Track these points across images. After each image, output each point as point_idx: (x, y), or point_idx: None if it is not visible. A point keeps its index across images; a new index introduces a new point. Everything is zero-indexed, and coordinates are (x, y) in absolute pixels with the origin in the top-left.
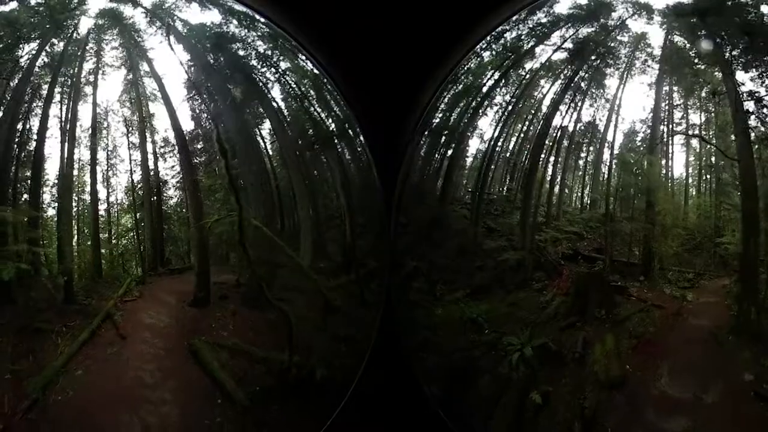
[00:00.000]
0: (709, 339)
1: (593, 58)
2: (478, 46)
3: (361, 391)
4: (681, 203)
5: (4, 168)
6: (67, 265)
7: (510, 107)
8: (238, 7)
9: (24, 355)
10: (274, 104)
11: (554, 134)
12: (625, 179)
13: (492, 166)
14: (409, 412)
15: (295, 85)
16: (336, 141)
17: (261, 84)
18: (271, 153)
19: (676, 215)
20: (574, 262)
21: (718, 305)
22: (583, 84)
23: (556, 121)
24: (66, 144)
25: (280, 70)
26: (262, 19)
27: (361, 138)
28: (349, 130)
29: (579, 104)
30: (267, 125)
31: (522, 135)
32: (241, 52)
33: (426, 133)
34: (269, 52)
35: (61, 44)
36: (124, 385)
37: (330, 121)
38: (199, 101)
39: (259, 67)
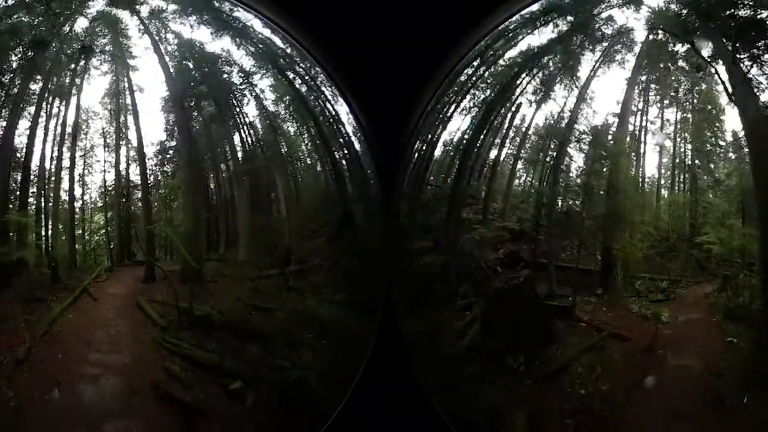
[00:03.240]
0: (708, 401)
1: (572, 45)
2: (477, 47)
3: (361, 391)
4: (653, 200)
5: (4, 170)
6: (55, 255)
7: (474, 93)
8: (237, 13)
9: (31, 313)
10: (240, 120)
11: (508, 119)
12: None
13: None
14: (409, 412)
15: (271, 103)
16: (304, 154)
17: (234, 102)
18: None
19: (645, 209)
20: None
21: (704, 325)
22: (556, 72)
23: (522, 110)
24: (54, 146)
25: (257, 88)
26: (261, 35)
27: (351, 145)
28: (322, 144)
29: (547, 92)
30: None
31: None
32: (225, 68)
33: (421, 133)
34: (254, 69)
35: (55, 46)
36: (96, 320)
37: (304, 137)
38: (173, 115)
39: (238, 84)
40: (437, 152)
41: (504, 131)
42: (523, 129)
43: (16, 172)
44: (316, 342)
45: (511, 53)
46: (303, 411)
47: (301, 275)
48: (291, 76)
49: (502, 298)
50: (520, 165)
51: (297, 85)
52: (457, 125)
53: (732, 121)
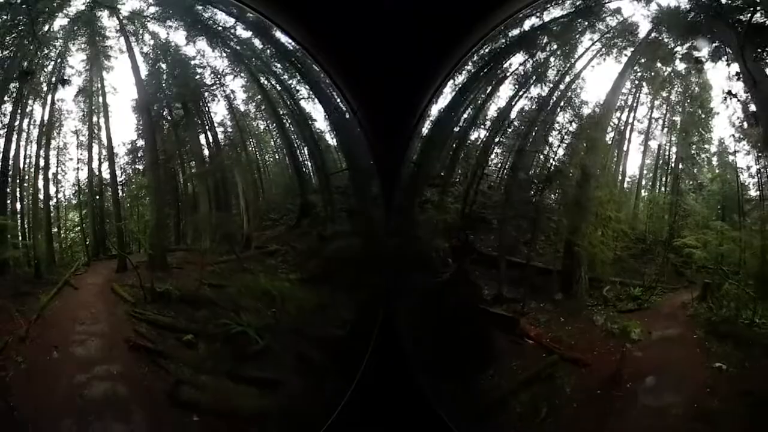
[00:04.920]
0: None
1: (572, 32)
2: (478, 45)
3: (362, 390)
4: (631, 199)
5: None
6: (38, 253)
7: (468, 69)
8: (219, 15)
9: (21, 305)
10: (208, 120)
11: (488, 98)
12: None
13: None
14: (409, 412)
15: (242, 103)
16: (272, 150)
17: (204, 103)
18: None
19: (621, 206)
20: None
21: (684, 344)
22: (551, 58)
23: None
24: (28, 145)
25: (228, 89)
26: (240, 37)
27: (321, 139)
28: (287, 141)
29: (536, 75)
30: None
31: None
32: (198, 70)
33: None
34: (227, 70)
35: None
36: (79, 303)
37: (273, 134)
38: (143, 117)
39: (209, 84)
40: (424, 129)
41: (481, 110)
42: (503, 110)
43: None
44: (261, 309)
45: (513, 32)
46: (248, 357)
47: (259, 259)
48: (265, 76)
49: (428, 300)
50: (498, 148)
51: (270, 85)
52: (444, 102)
53: (720, 126)
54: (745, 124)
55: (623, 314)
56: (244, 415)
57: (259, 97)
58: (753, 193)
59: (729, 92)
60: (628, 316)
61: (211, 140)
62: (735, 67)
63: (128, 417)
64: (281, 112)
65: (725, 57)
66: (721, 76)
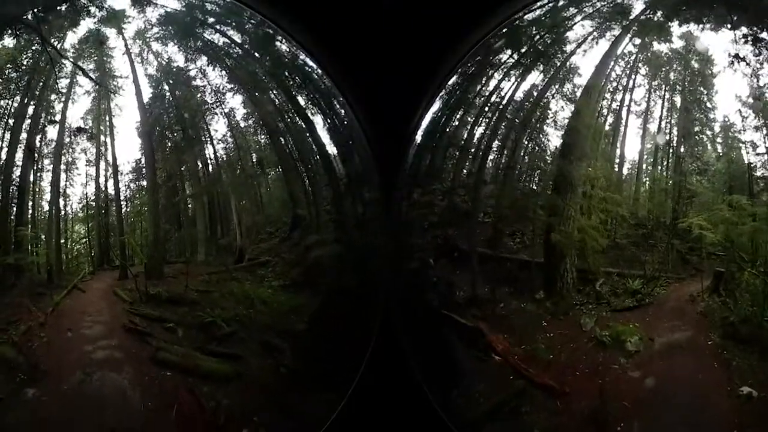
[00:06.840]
0: None
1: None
2: (477, 46)
3: (361, 391)
4: (631, 180)
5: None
6: (49, 260)
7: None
8: (215, 35)
9: (37, 302)
10: (208, 138)
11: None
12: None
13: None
14: (409, 412)
15: (242, 120)
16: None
17: (204, 122)
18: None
19: (616, 186)
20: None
21: (697, 355)
22: (540, 47)
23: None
24: (40, 163)
25: (228, 107)
26: (239, 52)
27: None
28: (281, 156)
29: (522, 66)
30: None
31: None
32: (199, 89)
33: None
34: (228, 86)
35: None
36: (86, 302)
37: (273, 148)
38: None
39: (210, 102)
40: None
41: (463, 104)
42: (483, 102)
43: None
44: (236, 307)
45: (508, 28)
46: (216, 339)
47: (250, 270)
48: (263, 90)
49: (408, 302)
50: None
51: (267, 98)
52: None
53: (725, 102)
54: (751, 99)
55: (619, 314)
56: (203, 372)
57: (257, 113)
58: (761, 173)
59: (736, 56)
60: (624, 317)
61: (211, 158)
62: (741, 31)
63: (120, 369)
64: (279, 126)
65: (728, 23)
66: (726, 40)
